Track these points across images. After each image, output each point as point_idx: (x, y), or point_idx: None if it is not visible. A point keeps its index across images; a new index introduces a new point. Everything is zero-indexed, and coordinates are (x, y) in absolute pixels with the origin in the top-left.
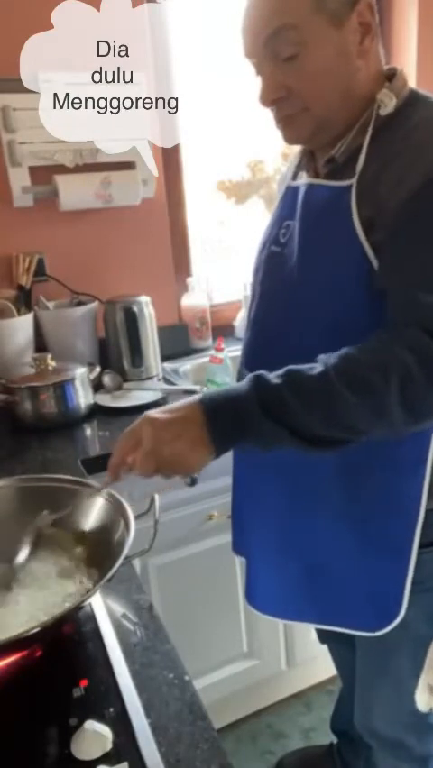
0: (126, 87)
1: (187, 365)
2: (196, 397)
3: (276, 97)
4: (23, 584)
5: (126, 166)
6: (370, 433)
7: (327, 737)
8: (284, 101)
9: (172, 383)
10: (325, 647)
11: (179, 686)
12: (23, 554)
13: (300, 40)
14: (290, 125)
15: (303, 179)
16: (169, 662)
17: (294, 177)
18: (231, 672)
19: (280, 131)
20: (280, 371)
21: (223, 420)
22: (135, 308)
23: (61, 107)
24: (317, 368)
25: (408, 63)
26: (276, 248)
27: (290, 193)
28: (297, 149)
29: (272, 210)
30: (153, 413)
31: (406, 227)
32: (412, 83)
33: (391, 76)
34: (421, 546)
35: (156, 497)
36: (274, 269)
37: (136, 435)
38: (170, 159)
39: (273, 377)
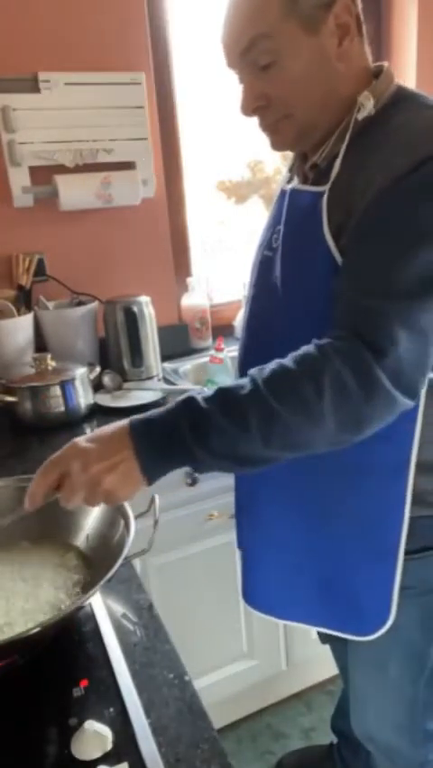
0: (126, 87)
1: (187, 365)
2: (124, 423)
3: (256, 106)
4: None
5: (126, 166)
6: (308, 447)
7: (327, 737)
8: (265, 109)
9: (172, 383)
10: (325, 647)
11: (179, 686)
12: None
13: (275, 48)
14: (274, 132)
15: (292, 184)
16: (169, 662)
17: (288, 180)
18: (231, 672)
19: (266, 138)
20: (210, 393)
21: (153, 448)
22: (135, 308)
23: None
24: (247, 385)
25: (408, 63)
26: (268, 252)
27: (281, 197)
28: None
29: (269, 213)
30: (81, 441)
31: (363, 231)
32: (412, 83)
33: (378, 74)
34: (409, 552)
35: (156, 497)
36: (265, 273)
37: (63, 466)
38: (170, 159)
39: (202, 399)
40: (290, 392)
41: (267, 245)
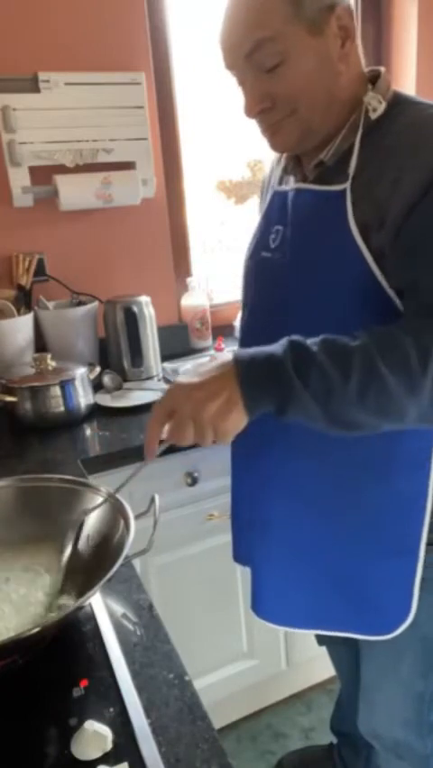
0: (126, 87)
1: (187, 365)
2: (227, 356)
3: (262, 108)
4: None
5: (126, 166)
6: (397, 416)
7: (327, 737)
8: (270, 110)
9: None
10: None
11: (179, 686)
12: None
13: (281, 50)
14: (276, 133)
15: (291, 184)
16: (169, 662)
17: (280, 181)
18: (231, 672)
19: (266, 139)
20: (316, 339)
21: (255, 378)
22: (135, 308)
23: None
24: (355, 339)
25: (408, 63)
26: (266, 253)
27: (278, 198)
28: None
29: (260, 216)
30: (182, 378)
31: (418, 224)
32: (412, 83)
33: (373, 78)
34: (429, 545)
35: (156, 497)
36: (266, 275)
37: (168, 404)
38: (170, 159)
39: (311, 341)
40: (398, 356)
41: (264, 246)
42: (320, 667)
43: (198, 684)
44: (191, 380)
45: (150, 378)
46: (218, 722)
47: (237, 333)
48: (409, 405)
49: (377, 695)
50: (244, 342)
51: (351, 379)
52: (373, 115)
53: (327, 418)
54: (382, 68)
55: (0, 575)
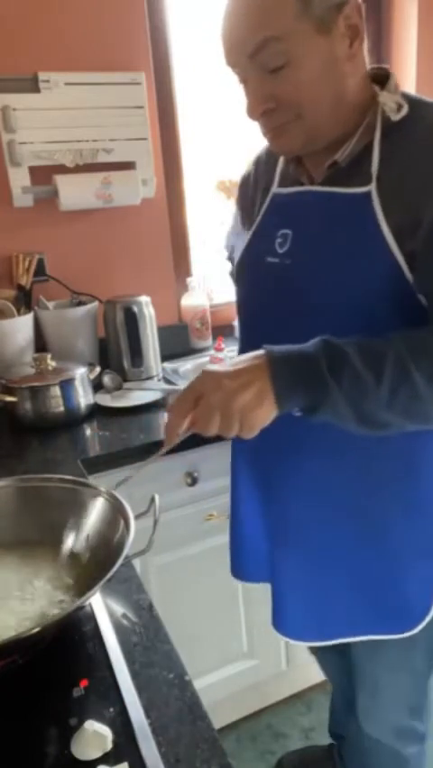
0: (126, 87)
1: (187, 365)
2: (260, 351)
3: (265, 109)
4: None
5: (126, 166)
6: (424, 418)
7: (326, 737)
8: (273, 112)
9: (172, 383)
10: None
11: (179, 686)
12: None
13: (288, 50)
14: (280, 136)
15: (298, 186)
16: (169, 662)
17: (277, 183)
18: (231, 672)
19: (268, 141)
20: (349, 340)
21: (289, 372)
22: (135, 308)
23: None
24: (388, 343)
25: (408, 63)
26: (273, 258)
27: (282, 201)
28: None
29: (257, 219)
30: (215, 366)
31: None
32: (412, 83)
33: (381, 77)
34: None
35: (156, 496)
36: (277, 281)
37: (196, 390)
38: (170, 159)
39: (344, 342)
40: (430, 361)
41: (268, 251)
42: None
43: (198, 684)
44: (223, 369)
45: (150, 378)
46: (218, 722)
47: (237, 332)
48: None
49: (387, 690)
50: (250, 349)
51: (383, 381)
52: (396, 117)
53: (356, 418)
54: (387, 66)
55: (6, 575)
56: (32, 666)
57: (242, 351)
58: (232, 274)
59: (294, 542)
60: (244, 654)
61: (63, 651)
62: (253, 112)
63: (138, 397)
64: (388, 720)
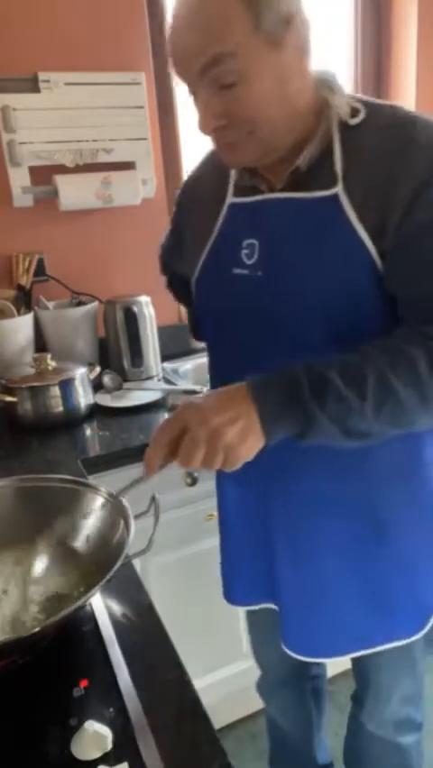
0: (126, 87)
1: (187, 365)
2: (241, 383)
3: (217, 126)
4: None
5: (126, 166)
6: (410, 425)
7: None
8: (225, 128)
9: (172, 383)
10: None
11: (179, 686)
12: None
13: (239, 67)
14: (233, 151)
15: (258, 195)
16: (169, 662)
17: (230, 192)
18: (231, 672)
19: (222, 155)
20: (329, 360)
21: (274, 403)
22: (135, 308)
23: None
24: (366, 357)
25: (408, 63)
26: (241, 270)
27: (241, 210)
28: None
29: (215, 231)
30: (198, 399)
31: (417, 227)
32: (412, 83)
33: (326, 80)
34: None
35: (156, 496)
36: (248, 293)
37: (181, 422)
38: (170, 159)
39: (323, 364)
40: (409, 370)
41: (234, 263)
42: None
43: (198, 684)
44: (206, 403)
45: (150, 378)
46: (218, 722)
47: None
48: (420, 413)
49: (390, 688)
50: (229, 362)
51: (367, 398)
52: (353, 121)
53: (344, 436)
54: (328, 69)
55: (6, 575)
56: (32, 666)
57: (215, 367)
58: (169, 286)
59: (299, 556)
60: (243, 654)
61: (63, 651)
62: (205, 128)
63: (138, 397)
64: (390, 715)
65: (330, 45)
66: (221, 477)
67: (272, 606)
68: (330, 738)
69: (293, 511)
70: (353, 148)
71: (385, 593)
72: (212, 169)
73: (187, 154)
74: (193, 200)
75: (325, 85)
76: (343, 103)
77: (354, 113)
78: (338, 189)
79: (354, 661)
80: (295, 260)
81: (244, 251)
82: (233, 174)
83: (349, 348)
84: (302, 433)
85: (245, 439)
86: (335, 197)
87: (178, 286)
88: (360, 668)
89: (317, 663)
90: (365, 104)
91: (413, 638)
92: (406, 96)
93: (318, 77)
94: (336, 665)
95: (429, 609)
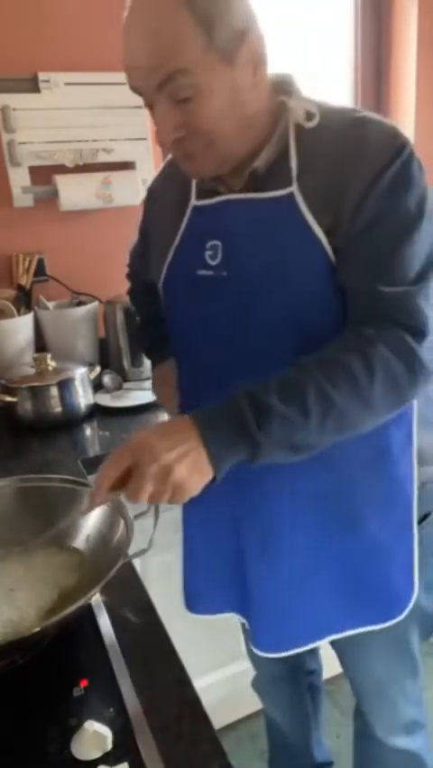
0: (127, 87)
1: None
2: (184, 416)
3: (175, 138)
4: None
5: (126, 166)
6: (356, 429)
7: (326, 737)
8: (183, 140)
9: None
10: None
11: (179, 686)
12: None
13: (194, 83)
14: (192, 162)
15: (218, 197)
16: (169, 662)
17: (196, 196)
18: (231, 672)
19: (181, 165)
20: (266, 383)
21: (220, 436)
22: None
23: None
24: (302, 373)
25: (408, 63)
26: (206, 271)
27: (203, 212)
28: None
29: (178, 234)
30: (149, 434)
31: (364, 227)
32: (412, 83)
33: (283, 84)
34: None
35: None
36: (212, 294)
37: (131, 457)
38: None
39: (261, 387)
40: (346, 381)
41: (199, 264)
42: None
43: (198, 684)
44: (156, 438)
45: (150, 378)
46: (218, 722)
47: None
48: (364, 418)
49: (390, 688)
50: (196, 365)
51: (310, 415)
52: (309, 125)
53: (291, 453)
54: (286, 72)
55: (0, 575)
56: (32, 666)
57: (183, 371)
58: (131, 293)
59: (270, 552)
60: (243, 654)
61: (63, 651)
62: (164, 140)
63: (138, 397)
64: (398, 717)
65: (330, 46)
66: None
67: (235, 615)
68: (331, 739)
69: (263, 508)
70: (307, 149)
71: (358, 580)
72: (175, 173)
73: None
74: (158, 205)
75: (281, 89)
76: (299, 106)
77: (310, 116)
78: (293, 189)
79: (349, 674)
80: (256, 259)
81: (208, 253)
82: (171, 177)
83: (316, 346)
84: (251, 460)
85: (193, 475)
86: (290, 196)
87: (141, 292)
88: (356, 678)
89: (313, 660)
90: (321, 107)
91: (387, 624)
92: (406, 96)
93: (275, 81)
94: (335, 666)
95: (404, 598)
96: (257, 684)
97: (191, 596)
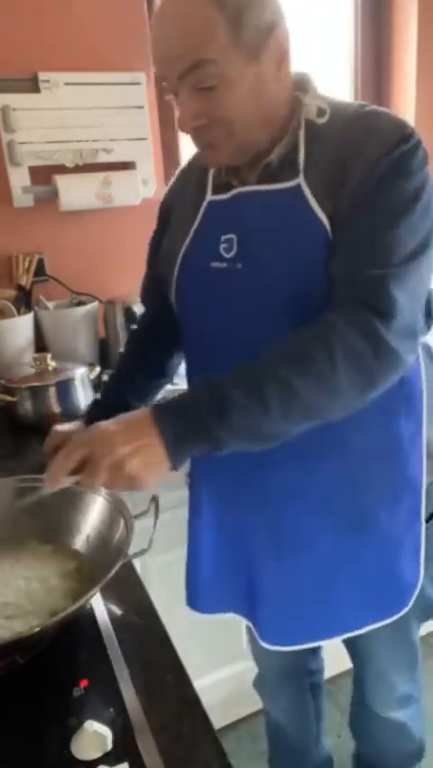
0: (126, 87)
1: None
2: (146, 409)
3: (196, 126)
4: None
5: (126, 166)
6: (325, 415)
7: (327, 737)
8: (205, 128)
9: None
10: (326, 646)
11: (179, 686)
12: None
13: (219, 73)
14: (211, 148)
15: (234, 191)
16: (169, 662)
17: (212, 192)
18: (231, 672)
19: (200, 153)
20: (227, 374)
21: (176, 430)
22: (135, 308)
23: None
24: (262, 363)
25: (408, 63)
26: (220, 264)
27: (218, 207)
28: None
29: (193, 227)
30: (105, 425)
31: (354, 212)
32: (412, 83)
33: (301, 82)
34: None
35: (156, 496)
36: (226, 286)
37: (87, 448)
38: (169, 159)
39: (220, 379)
40: (306, 367)
41: (213, 257)
42: None
43: (198, 684)
44: (112, 432)
45: None
46: (218, 722)
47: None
48: (330, 405)
49: (391, 669)
50: (210, 353)
51: (270, 404)
52: (320, 121)
53: (259, 443)
54: (306, 72)
55: (7, 574)
56: (32, 666)
57: (190, 362)
58: (144, 298)
59: (281, 548)
60: (243, 654)
61: (63, 651)
62: (185, 126)
63: None
64: (393, 695)
65: (330, 46)
66: (195, 480)
67: (237, 615)
68: (331, 739)
69: (273, 507)
70: (315, 142)
71: (368, 576)
72: (190, 170)
73: (187, 154)
74: (176, 203)
75: (299, 86)
76: (312, 103)
77: (321, 113)
78: (299, 180)
79: (348, 646)
80: (268, 250)
81: (223, 246)
82: (211, 173)
83: None
84: (212, 449)
85: (148, 468)
86: (297, 187)
87: (150, 285)
88: (356, 654)
89: (315, 658)
90: (334, 105)
91: (396, 617)
92: (406, 96)
93: (295, 78)
94: (337, 665)
95: (411, 588)
96: (259, 684)
97: (194, 593)
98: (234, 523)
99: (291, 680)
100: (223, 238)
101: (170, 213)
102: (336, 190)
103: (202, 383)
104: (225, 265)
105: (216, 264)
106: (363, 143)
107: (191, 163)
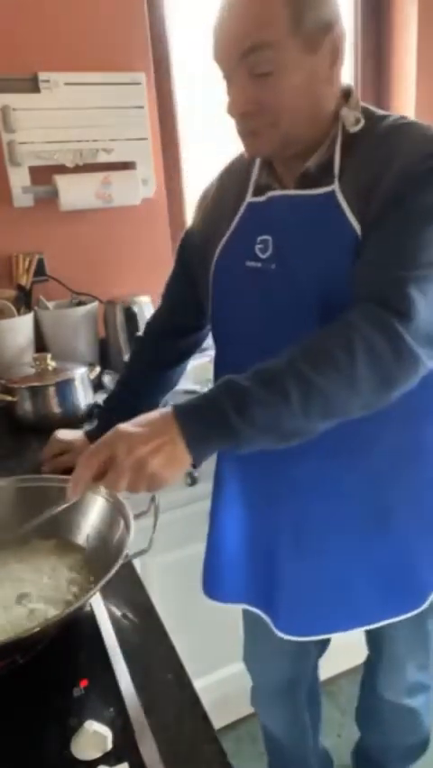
0: (126, 87)
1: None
2: (166, 408)
3: (246, 110)
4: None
5: (126, 166)
6: (345, 413)
7: (325, 737)
8: (253, 115)
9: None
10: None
11: (179, 686)
12: None
13: (276, 59)
14: (255, 137)
15: (271, 193)
16: (169, 662)
17: (253, 193)
18: (231, 672)
19: (243, 141)
20: (248, 373)
21: (198, 428)
22: (135, 308)
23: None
24: (283, 361)
25: (408, 63)
26: (254, 263)
27: (257, 208)
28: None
29: (231, 226)
30: (125, 426)
31: (383, 216)
32: (412, 83)
33: (346, 93)
34: None
35: (156, 496)
36: (259, 285)
37: (109, 450)
38: (170, 159)
39: (242, 377)
40: (325, 362)
41: (248, 257)
42: (319, 668)
43: (198, 684)
44: (134, 432)
45: None
46: (218, 722)
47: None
48: (350, 401)
49: (406, 659)
50: (242, 352)
51: (291, 401)
52: (354, 129)
53: (279, 441)
54: (351, 84)
55: (7, 574)
56: (32, 666)
57: (220, 356)
58: (144, 332)
59: (303, 540)
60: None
61: (63, 651)
62: (236, 110)
63: None
64: (405, 682)
65: None
66: (223, 468)
67: (253, 609)
68: (331, 739)
69: (298, 499)
70: (350, 152)
71: (388, 572)
72: (230, 172)
73: (187, 154)
74: (215, 202)
75: (344, 96)
76: (350, 114)
77: (357, 121)
78: (334, 186)
79: (366, 631)
80: (301, 253)
81: (258, 246)
82: (253, 175)
83: None
84: (234, 447)
85: (170, 466)
86: (331, 193)
87: (175, 286)
88: (374, 638)
89: (312, 669)
90: (370, 115)
91: (413, 613)
92: (406, 97)
93: (342, 88)
94: (337, 665)
95: (428, 582)
96: (256, 698)
97: (212, 582)
98: (258, 515)
99: (287, 695)
100: (259, 239)
101: (207, 212)
102: (368, 197)
103: (222, 381)
104: (259, 265)
105: (251, 263)
106: (396, 153)
107: (233, 164)
